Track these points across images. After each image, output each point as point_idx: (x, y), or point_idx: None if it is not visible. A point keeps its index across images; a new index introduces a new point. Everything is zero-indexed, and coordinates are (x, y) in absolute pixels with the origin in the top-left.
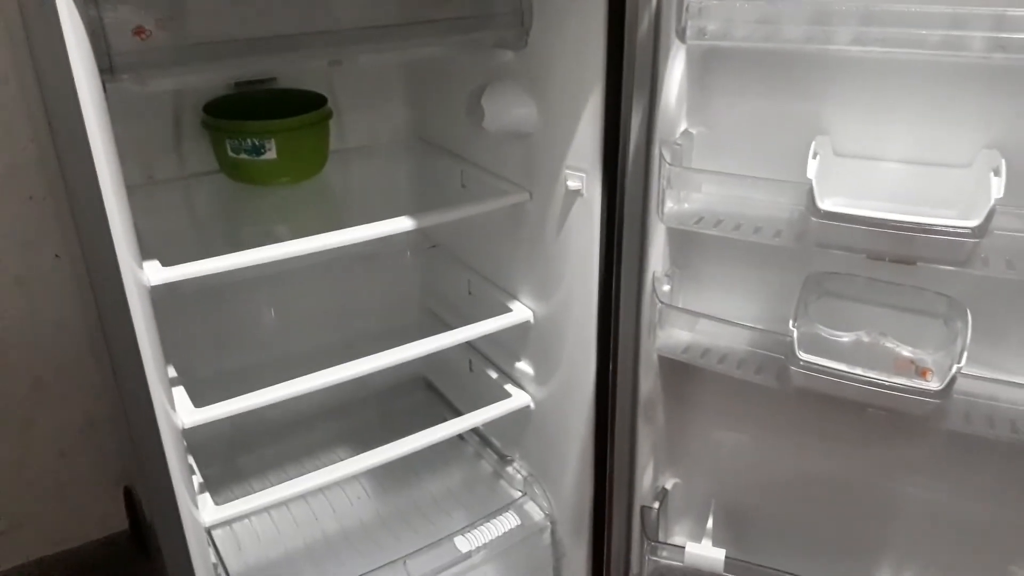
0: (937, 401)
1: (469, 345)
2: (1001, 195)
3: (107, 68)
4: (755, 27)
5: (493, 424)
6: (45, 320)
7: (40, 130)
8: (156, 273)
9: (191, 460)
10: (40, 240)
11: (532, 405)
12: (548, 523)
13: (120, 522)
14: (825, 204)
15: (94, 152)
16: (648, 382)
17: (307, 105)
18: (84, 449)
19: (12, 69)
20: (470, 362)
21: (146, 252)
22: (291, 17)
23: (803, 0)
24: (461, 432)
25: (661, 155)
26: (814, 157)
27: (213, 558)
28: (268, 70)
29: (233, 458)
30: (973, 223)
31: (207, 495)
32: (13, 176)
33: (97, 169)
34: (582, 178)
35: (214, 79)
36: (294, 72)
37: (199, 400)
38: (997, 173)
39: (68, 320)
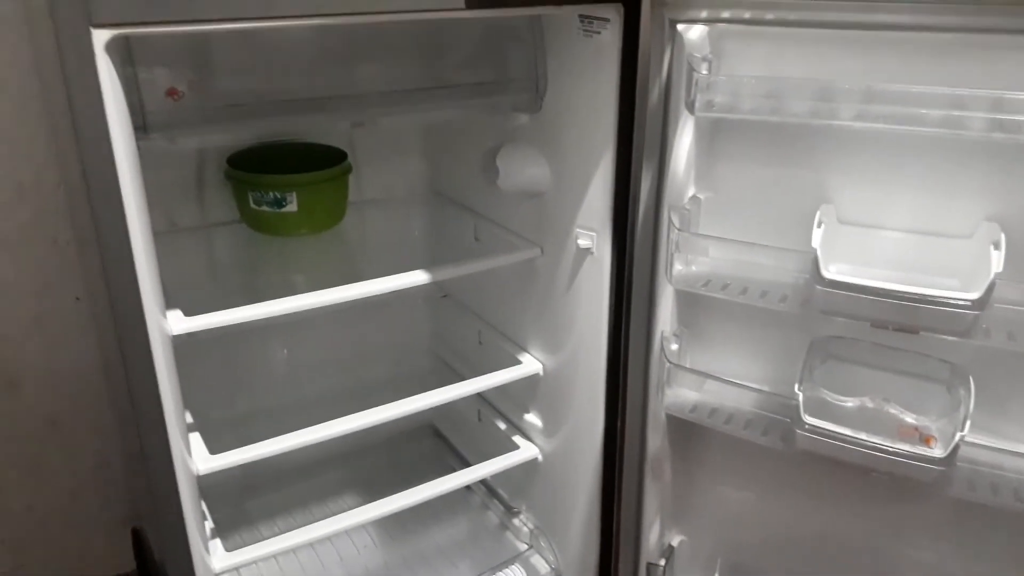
0: (941, 468)
1: (479, 395)
2: (1001, 269)
3: (140, 126)
4: (761, 101)
5: (501, 475)
6: (62, 361)
7: (69, 178)
8: (179, 323)
9: (203, 506)
10: (61, 283)
11: (540, 458)
12: None
13: (127, 563)
14: (829, 272)
15: (126, 206)
16: (656, 439)
17: (328, 159)
18: (94, 490)
19: (42, 118)
20: (479, 412)
21: (168, 299)
22: (317, 81)
23: (808, 78)
24: (469, 483)
25: (670, 220)
26: (819, 226)
27: None
28: (292, 131)
29: (242, 503)
30: (974, 296)
31: (218, 541)
32: (40, 220)
33: (128, 222)
34: (592, 237)
35: (241, 138)
36: (317, 129)
37: (213, 442)
38: (997, 247)
39: (85, 362)
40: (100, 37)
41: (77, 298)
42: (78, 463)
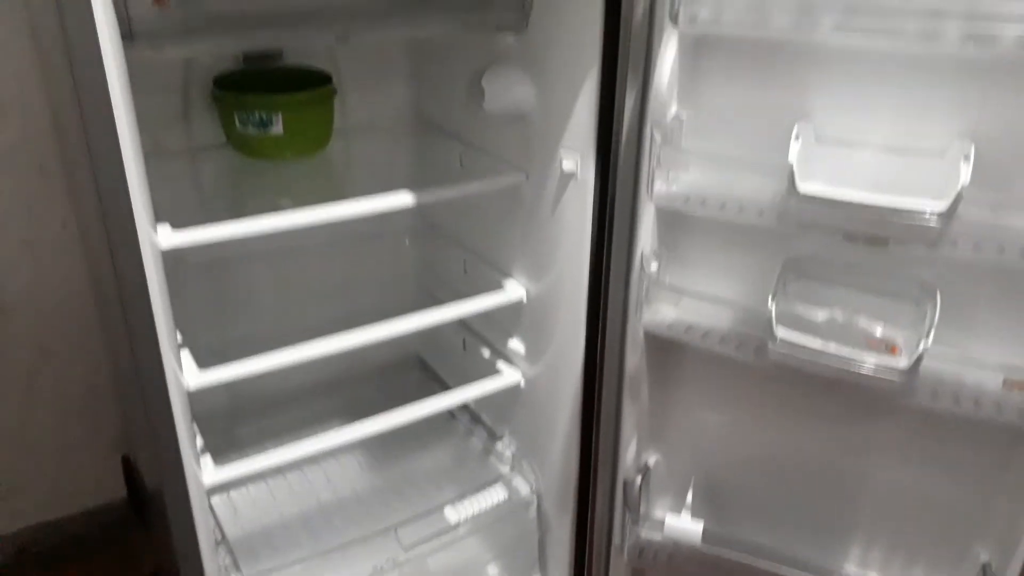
0: (905, 378)
1: (463, 324)
2: (967, 182)
3: (127, 34)
4: (744, 14)
5: (484, 402)
6: (51, 287)
7: (56, 98)
8: (168, 237)
9: (194, 426)
10: (48, 209)
11: (522, 383)
12: (534, 497)
13: (118, 490)
14: (805, 187)
15: (116, 115)
16: (634, 359)
17: (313, 82)
18: (85, 417)
19: (29, 40)
20: (464, 341)
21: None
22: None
23: None
24: (452, 407)
25: (652, 136)
26: (796, 139)
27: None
28: (277, 44)
29: (231, 430)
30: (942, 206)
31: (208, 456)
32: (25, 145)
33: (118, 129)
34: (577, 159)
35: (226, 50)
36: (301, 49)
37: (202, 368)
38: (967, 159)
39: (74, 288)
40: None
41: (63, 224)
42: (68, 390)
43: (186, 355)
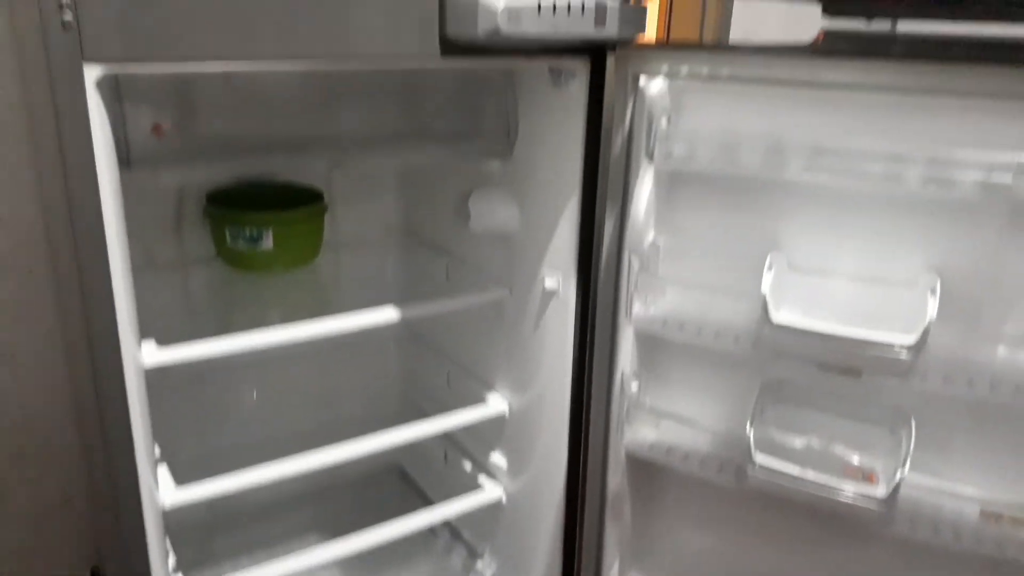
0: (883, 507)
1: (446, 436)
2: (935, 316)
3: (124, 160)
4: (717, 153)
5: (465, 518)
6: (32, 393)
7: (50, 209)
8: (152, 355)
9: (167, 542)
10: (35, 314)
11: (504, 499)
12: None
13: None
14: (778, 316)
15: (108, 237)
16: (616, 479)
17: (304, 199)
18: (56, 526)
19: (27, 150)
20: (446, 453)
21: (142, 332)
22: (297, 122)
23: (760, 133)
24: (433, 524)
25: (630, 262)
26: (769, 271)
27: None
28: (271, 170)
29: (206, 541)
30: (911, 340)
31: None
32: (17, 251)
33: (109, 253)
34: (558, 278)
35: (221, 175)
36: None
37: (180, 479)
38: (934, 293)
39: (55, 395)
40: (91, 73)
41: (48, 329)
42: (40, 498)
43: (163, 471)
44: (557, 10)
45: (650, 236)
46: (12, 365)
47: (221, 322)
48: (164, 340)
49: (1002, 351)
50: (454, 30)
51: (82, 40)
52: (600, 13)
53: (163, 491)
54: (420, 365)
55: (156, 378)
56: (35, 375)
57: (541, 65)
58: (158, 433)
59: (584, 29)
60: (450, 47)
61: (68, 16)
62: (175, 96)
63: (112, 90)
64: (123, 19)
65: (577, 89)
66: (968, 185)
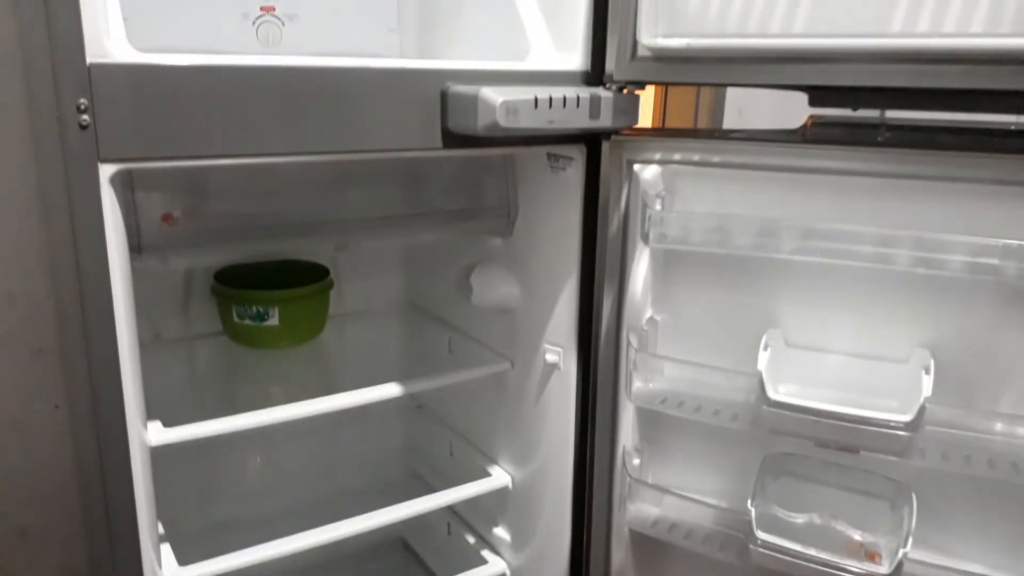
0: None
1: (449, 508)
2: (930, 394)
3: (135, 248)
4: (710, 234)
5: None
6: (37, 470)
7: (60, 288)
8: (158, 434)
9: None
10: (42, 390)
11: (508, 574)
12: None
13: None
14: (776, 393)
15: (117, 324)
16: (620, 554)
17: (311, 275)
18: None
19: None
20: (449, 525)
21: (148, 408)
22: (305, 205)
23: (751, 215)
24: None
25: (629, 340)
26: (765, 349)
27: None
28: (279, 253)
29: None
30: (907, 418)
31: None
32: (25, 328)
33: (118, 339)
34: (559, 353)
35: (229, 259)
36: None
37: (182, 554)
38: (928, 371)
39: (60, 472)
40: (106, 171)
41: (56, 406)
42: (42, 574)
43: (166, 550)
44: (553, 104)
45: (648, 313)
46: (19, 440)
47: (226, 397)
48: (169, 415)
49: (999, 427)
50: (455, 123)
51: (98, 141)
52: (594, 105)
53: (167, 572)
54: (423, 435)
55: (159, 451)
56: (42, 449)
57: (539, 151)
58: (160, 506)
59: (579, 121)
60: (452, 139)
61: (86, 118)
62: (185, 183)
63: (125, 181)
64: (137, 121)
65: (574, 173)
66: (956, 266)
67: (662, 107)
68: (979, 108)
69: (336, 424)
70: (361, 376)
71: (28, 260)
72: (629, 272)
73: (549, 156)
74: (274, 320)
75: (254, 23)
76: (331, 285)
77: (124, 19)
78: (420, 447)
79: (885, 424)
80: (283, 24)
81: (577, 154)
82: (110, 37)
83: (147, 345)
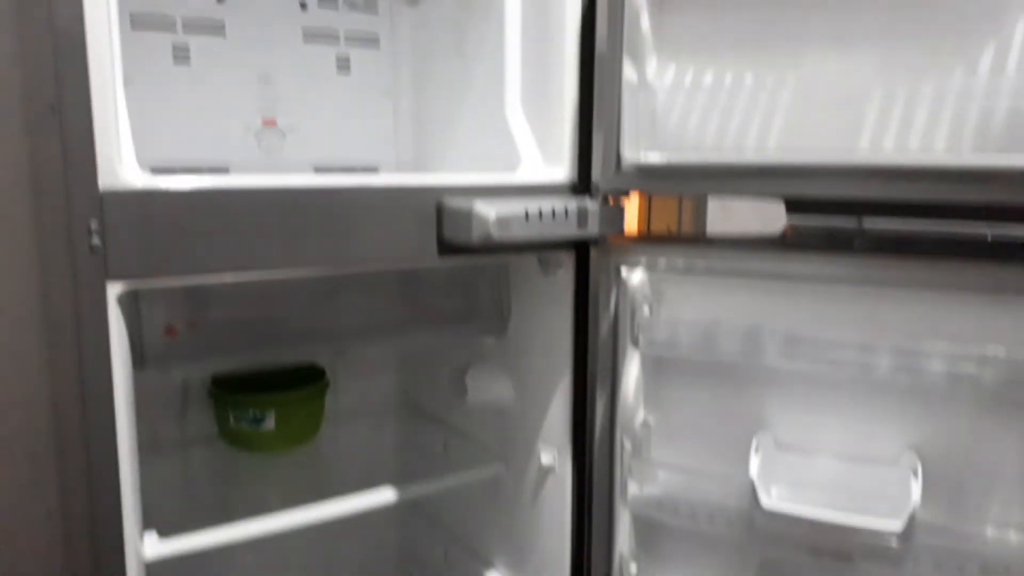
0: None
1: None
2: (919, 499)
3: (138, 361)
4: (697, 339)
5: None
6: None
7: (59, 398)
8: (154, 547)
9: None
10: (35, 496)
11: None
12: None
13: None
14: (768, 499)
15: (118, 436)
16: None
17: (307, 377)
18: None
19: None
20: None
21: (143, 514)
22: (303, 313)
23: (736, 323)
24: None
25: (623, 444)
26: (756, 452)
27: None
28: (278, 361)
29: None
30: (898, 527)
31: None
32: (22, 435)
33: (119, 451)
34: (554, 454)
35: (228, 367)
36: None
37: None
38: (916, 474)
39: None
40: (114, 289)
41: (48, 514)
42: None
43: None
44: (543, 216)
45: (640, 415)
46: (11, 548)
47: (221, 501)
48: (164, 520)
49: (990, 532)
50: (450, 235)
51: (107, 261)
52: (582, 216)
53: None
54: (417, 538)
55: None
56: (33, 559)
57: (531, 257)
58: None
59: (568, 230)
60: (446, 249)
61: (96, 240)
62: (188, 293)
63: (130, 296)
64: (146, 241)
65: (564, 277)
66: (935, 373)
67: (647, 209)
68: (952, 216)
69: (330, 528)
70: (356, 476)
71: (30, 366)
72: (621, 373)
73: (540, 261)
74: (270, 424)
75: (256, 135)
76: (327, 386)
77: (132, 132)
78: (414, 551)
79: (876, 533)
80: (284, 136)
81: (567, 259)
82: (122, 161)
83: (143, 449)
